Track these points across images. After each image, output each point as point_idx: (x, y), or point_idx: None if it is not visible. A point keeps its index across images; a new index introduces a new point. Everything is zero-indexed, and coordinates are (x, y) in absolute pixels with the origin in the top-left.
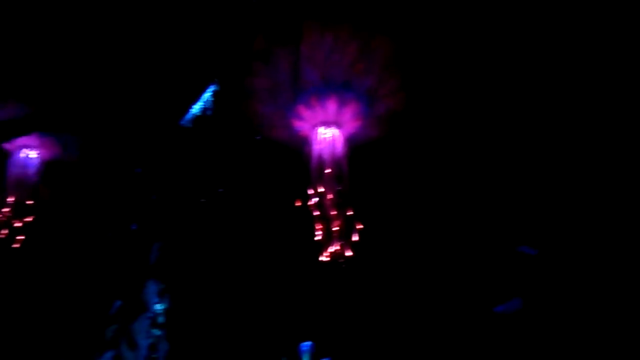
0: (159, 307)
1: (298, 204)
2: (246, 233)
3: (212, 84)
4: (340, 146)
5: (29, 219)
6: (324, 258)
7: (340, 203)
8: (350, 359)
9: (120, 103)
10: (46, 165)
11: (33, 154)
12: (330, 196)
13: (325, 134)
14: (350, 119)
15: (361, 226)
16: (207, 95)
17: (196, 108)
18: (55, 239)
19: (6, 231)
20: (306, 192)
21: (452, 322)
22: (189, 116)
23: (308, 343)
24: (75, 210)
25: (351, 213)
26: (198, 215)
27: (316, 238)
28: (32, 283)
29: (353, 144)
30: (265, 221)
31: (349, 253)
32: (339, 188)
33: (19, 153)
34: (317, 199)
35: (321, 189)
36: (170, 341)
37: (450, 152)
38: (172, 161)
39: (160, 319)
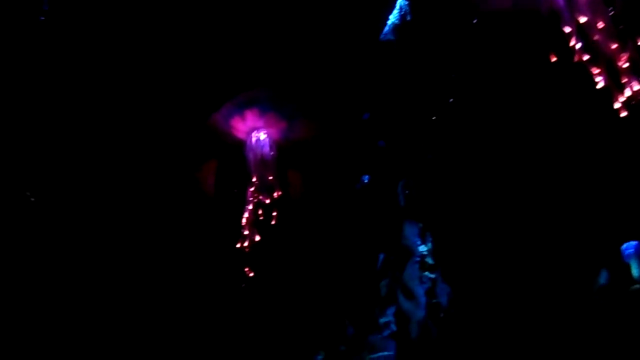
0: (423, 248)
1: (554, 59)
2: (507, 128)
3: None
4: None
5: (276, 194)
6: (620, 108)
7: (621, 30)
8: None
9: (320, 54)
10: (279, 145)
11: (262, 135)
12: (601, 25)
13: None
14: None
15: None
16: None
17: (393, 18)
18: (305, 208)
19: (261, 211)
20: (562, 42)
21: None
22: (388, 29)
23: (633, 243)
24: (316, 175)
25: None
26: (431, 137)
27: (598, 86)
28: (300, 251)
29: None
30: (523, 103)
31: None
32: (612, 12)
33: (250, 137)
34: (581, 42)
35: (583, 20)
36: (448, 282)
37: None
38: (388, 83)
39: (429, 260)
